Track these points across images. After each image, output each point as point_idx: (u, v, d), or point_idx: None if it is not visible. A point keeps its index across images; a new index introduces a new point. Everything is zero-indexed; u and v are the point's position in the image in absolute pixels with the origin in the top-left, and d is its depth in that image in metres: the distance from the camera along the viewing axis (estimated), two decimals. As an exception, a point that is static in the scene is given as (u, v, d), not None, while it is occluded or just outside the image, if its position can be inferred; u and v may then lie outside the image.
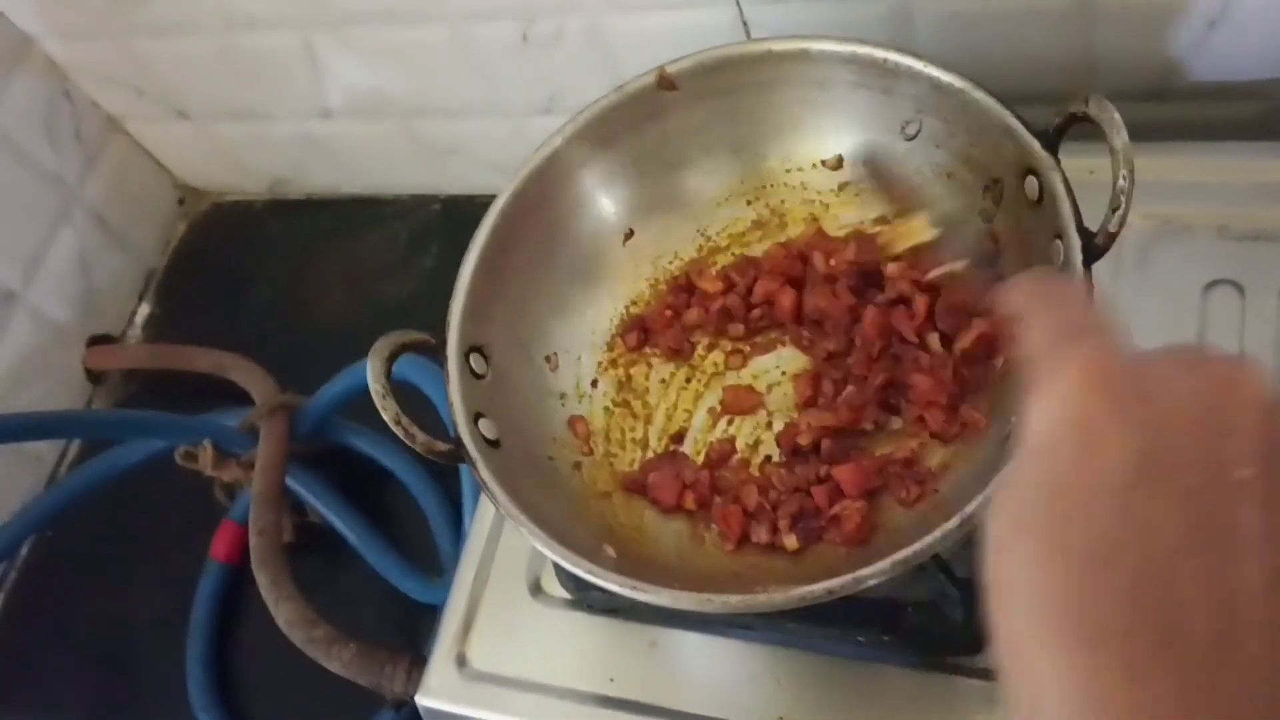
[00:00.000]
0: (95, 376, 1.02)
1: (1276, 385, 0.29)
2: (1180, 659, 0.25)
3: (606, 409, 0.64)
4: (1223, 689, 0.25)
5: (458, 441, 0.56)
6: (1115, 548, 0.27)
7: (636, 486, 0.60)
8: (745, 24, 0.74)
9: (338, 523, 0.84)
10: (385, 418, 0.55)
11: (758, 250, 0.66)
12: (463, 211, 0.96)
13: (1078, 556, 0.27)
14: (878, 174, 0.63)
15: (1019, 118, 0.55)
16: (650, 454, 0.62)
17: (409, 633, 0.79)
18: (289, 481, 0.83)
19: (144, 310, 1.06)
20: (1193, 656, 0.25)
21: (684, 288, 0.65)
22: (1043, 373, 0.30)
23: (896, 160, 0.62)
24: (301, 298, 1.02)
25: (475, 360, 0.60)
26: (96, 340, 1.02)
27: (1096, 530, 0.27)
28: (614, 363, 0.65)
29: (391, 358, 0.57)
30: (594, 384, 0.64)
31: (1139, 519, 0.27)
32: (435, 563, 0.81)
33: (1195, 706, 0.25)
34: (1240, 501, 0.27)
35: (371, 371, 0.56)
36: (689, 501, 0.59)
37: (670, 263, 0.67)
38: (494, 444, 0.58)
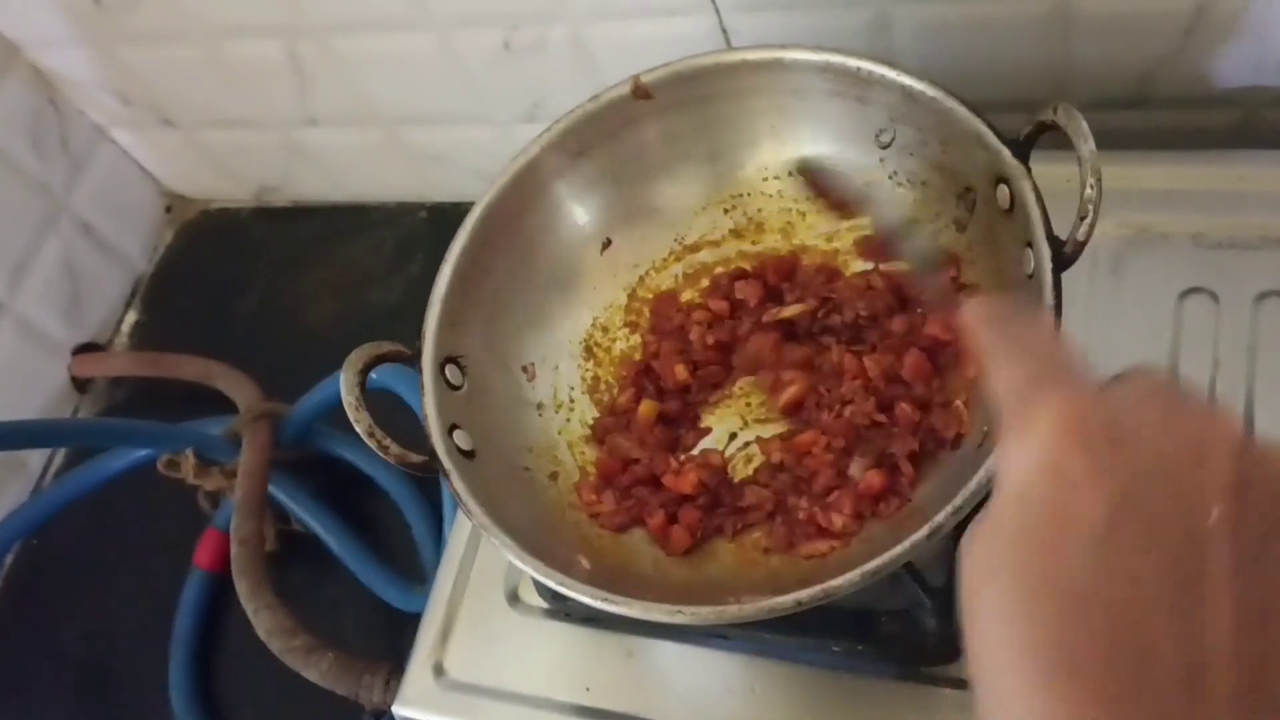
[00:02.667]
0: (81, 384, 1.02)
1: (1244, 428, 0.29)
2: (1155, 697, 0.26)
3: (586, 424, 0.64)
4: None
5: (432, 454, 0.56)
6: (1090, 593, 0.27)
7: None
8: (725, 32, 0.74)
9: (320, 531, 0.84)
10: (359, 430, 0.55)
11: (732, 253, 0.66)
12: (449, 219, 0.95)
13: (1055, 599, 0.28)
14: (815, 181, 0.63)
15: (990, 126, 0.55)
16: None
17: (392, 640, 0.79)
18: (272, 489, 0.84)
19: (131, 318, 1.07)
20: (1167, 694, 0.26)
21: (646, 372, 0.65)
22: (1016, 417, 0.30)
23: (835, 166, 0.62)
24: (289, 305, 1.02)
25: (451, 371, 0.60)
26: (83, 348, 1.03)
27: (1073, 575, 0.27)
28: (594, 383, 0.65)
29: (366, 370, 0.57)
30: (572, 402, 0.64)
31: (1113, 566, 0.27)
32: (417, 570, 0.81)
33: None
34: (1211, 546, 0.27)
35: (345, 383, 0.56)
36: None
37: (647, 272, 0.67)
38: (469, 455, 0.58)
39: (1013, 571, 0.28)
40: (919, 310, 0.60)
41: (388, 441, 0.56)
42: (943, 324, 0.57)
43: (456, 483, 0.55)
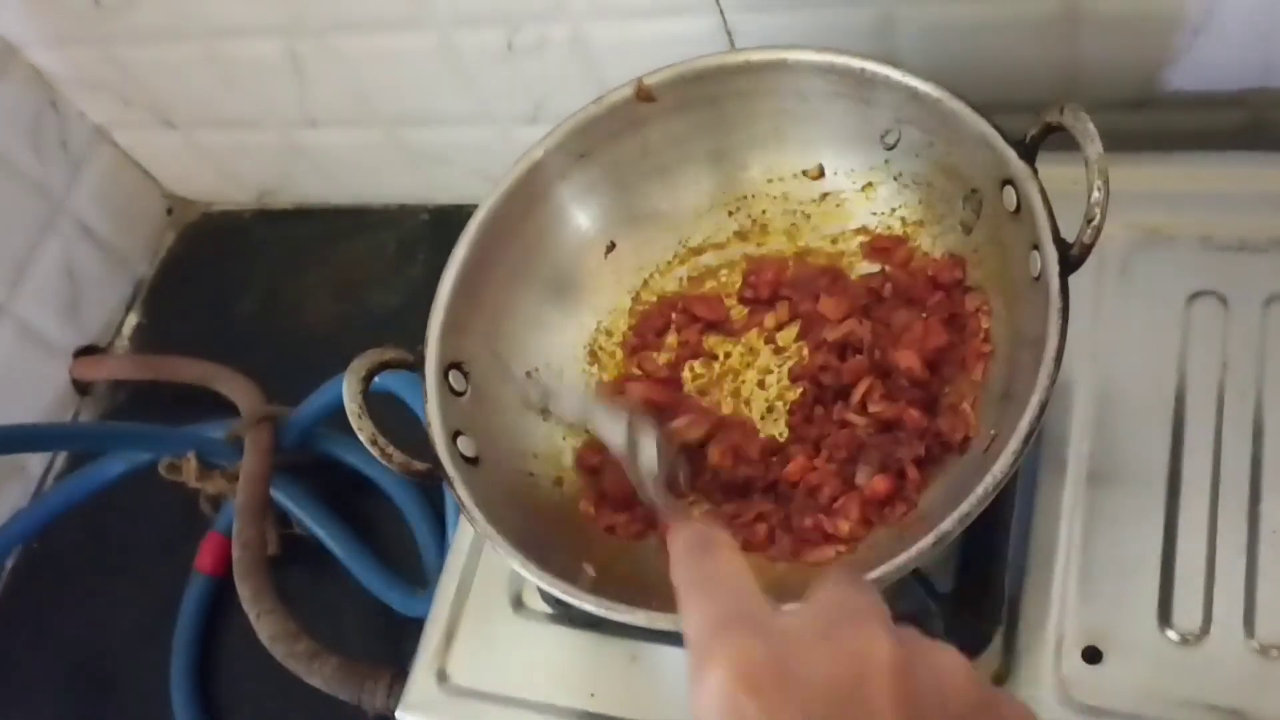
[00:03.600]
0: (82, 387, 1.02)
1: (899, 641, 0.32)
2: None
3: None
4: None
5: (436, 461, 0.56)
6: None
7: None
8: (729, 33, 0.74)
9: (323, 534, 0.84)
10: (361, 438, 0.55)
11: (736, 255, 0.66)
12: (451, 221, 0.95)
13: None
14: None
15: (996, 127, 0.55)
16: None
17: (394, 644, 0.78)
18: (274, 493, 0.83)
19: (132, 320, 1.06)
20: None
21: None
22: (696, 663, 0.32)
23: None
24: (290, 308, 1.01)
25: (454, 377, 0.59)
26: (83, 351, 1.02)
27: None
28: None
29: (369, 377, 0.57)
30: None
31: None
32: (420, 574, 0.81)
33: None
34: None
35: (348, 391, 0.56)
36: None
37: (651, 275, 0.66)
38: (473, 461, 0.57)
39: None
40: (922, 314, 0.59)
41: (391, 449, 0.55)
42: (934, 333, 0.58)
43: (460, 490, 0.55)
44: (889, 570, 0.47)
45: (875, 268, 0.62)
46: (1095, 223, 0.50)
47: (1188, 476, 0.57)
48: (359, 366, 0.57)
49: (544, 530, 0.58)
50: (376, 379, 0.57)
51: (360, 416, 0.55)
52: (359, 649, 0.80)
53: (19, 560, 0.95)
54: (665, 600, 0.53)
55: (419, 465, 0.56)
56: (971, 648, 0.55)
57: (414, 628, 0.67)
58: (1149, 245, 0.63)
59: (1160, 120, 0.70)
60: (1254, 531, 0.55)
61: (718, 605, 0.34)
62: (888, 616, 0.34)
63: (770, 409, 0.62)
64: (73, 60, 0.95)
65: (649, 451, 0.55)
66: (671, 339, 0.65)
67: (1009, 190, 0.54)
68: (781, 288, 0.64)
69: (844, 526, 0.55)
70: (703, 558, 0.37)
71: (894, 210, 0.63)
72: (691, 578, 0.36)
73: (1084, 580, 0.56)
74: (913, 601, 0.54)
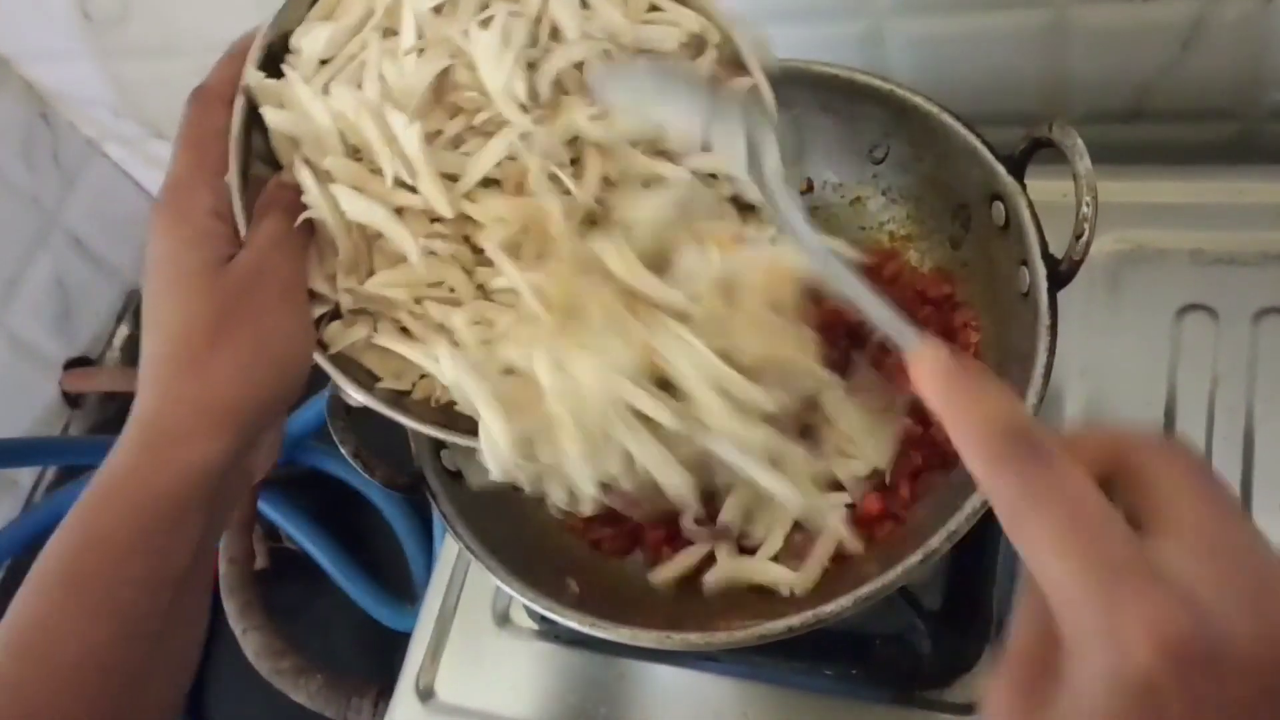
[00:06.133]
0: (73, 399, 1.01)
1: None
2: None
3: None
4: None
5: (419, 475, 0.56)
6: None
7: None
8: (718, 45, 0.73)
9: (311, 548, 0.83)
10: (344, 452, 0.55)
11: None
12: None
13: None
14: None
15: (985, 142, 0.54)
16: None
17: (383, 657, 0.78)
18: (263, 506, 0.83)
19: (122, 332, 1.06)
20: None
21: None
22: (1094, 625, 0.26)
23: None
24: (281, 319, 1.01)
25: (439, 390, 0.59)
26: (74, 363, 1.02)
27: None
28: None
29: (353, 389, 0.56)
30: None
31: None
32: (409, 588, 0.80)
33: None
34: None
35: (331, 405, 0.55)
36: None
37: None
38: (457, 475, 0.57)
39: None
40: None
41: (374, 464, 0.55)
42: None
43: (444, 505, 0.55)
44: (877, 588, 0.47)
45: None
46: (1084, 239, 0.49)
47: (1178, 492, 0.57)
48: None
49: (529, 546, 0.58)
50: (362, 393, 0.57)
51: (344, 430, 0.55)
52: (348, 662, 0.79)
53: (8, 573, 0.94)
54: (649, 616, 0.54)
55: (402, 479, 0.56)
56: (959, 666, 0.55)
57: (403, 641, 0.67)
58: (1139, 259, 0.63)
59: (1150, 132, 0.70)
60: (1244, 548, 0.54)
61: (1094, 545, 0.27)
62: None
63: None
64: (64, 74, 0.95)
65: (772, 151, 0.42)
66: None
67: (998, 205, 0.54)
68: None
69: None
70: (1033, 458, 0.28)
71: (882, 225, 0.62)
72: (1027, 489, 0.28)
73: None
74: (901, 619, 0.54)
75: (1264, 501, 0.55)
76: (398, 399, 0.49)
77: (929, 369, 0.32)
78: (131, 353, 1.05)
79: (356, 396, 0.47)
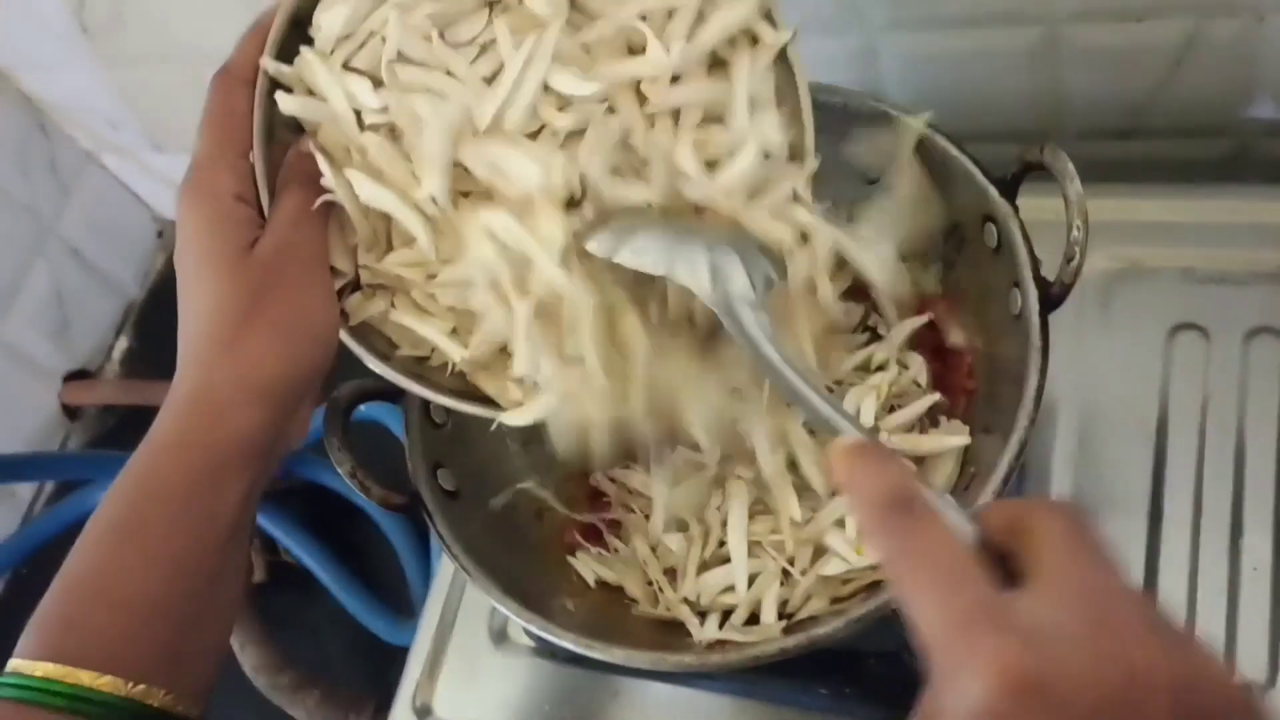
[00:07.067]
0: (72, 412, 1.02)
1: (1173, 648, 0.29)
2: None
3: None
4: None
5: (415, 495, 0.56)
6: None
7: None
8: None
9: (309, 561, 0.83)
10: (341, 472, 0.55)
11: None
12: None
13: None
14: None
15: (978, 164, 0.55)
16: None
17: (380, 670, 0.78)
18: (261, 519, 0.83)
19: (122, 344, 1.06)
20: None
21: None
22: (950, 666, 0.30)
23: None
24: (279, 330, 1.01)
25: (435, 409, 0.59)
26: (73, 375, 1.02)
27: None
28: None
29: (349, 409, 0.57)
30: None
31: None
32: (406, 601, 0.81)
33: None
34: None
35: (328, 423, 0.56)
36: None
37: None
38: (453, 494, 0.57)
39: None
40: None
41: (370, 484, 0.55)
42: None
43: (440, 525, 0.55)
44: (870, 610, 0.47)
45: (858, 305, 0.62)
46: (1075, 262, 0.50)
47: (1169, 511, 0.57)
48: (340, 398, 0.57)
49: (524, 564, 0.58)
50: (361, 407, 0.57)
51: (340, 449, 0.55)
52: (345, 675, 0.80)
53: (8, 587, 0.95)
54: (643, 637, 0.54)
55: (397, 498, 0.56)
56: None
57: (400, 654, 0.67)
58: (1131, 277, 0.63)
59: (1143, 149, 0.70)
60: (1235, 567, 0.55)
61: (951, 591, 0.31)
62: (1152, 607, 0.31)
63: None
64: (61, 84, 0.95)
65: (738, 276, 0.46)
66: None
67: (990, 227, 0.54)
68: None
69: None
70: (909, 522, 0.33)
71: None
72: (901, 550, 0.33)
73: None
74: (894, 639, 0.54)
75: (1255, 520, 0.55)
76: (417, 366, 0.50)
77: (840, 451, 0.36)
78: (131, 365, 1.05)
79: (375, 368, 0.49)
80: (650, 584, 0.57)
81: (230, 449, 0.45)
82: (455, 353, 0.48)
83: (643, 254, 0.46)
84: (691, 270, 0.46)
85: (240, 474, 0.46)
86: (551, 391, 0.48)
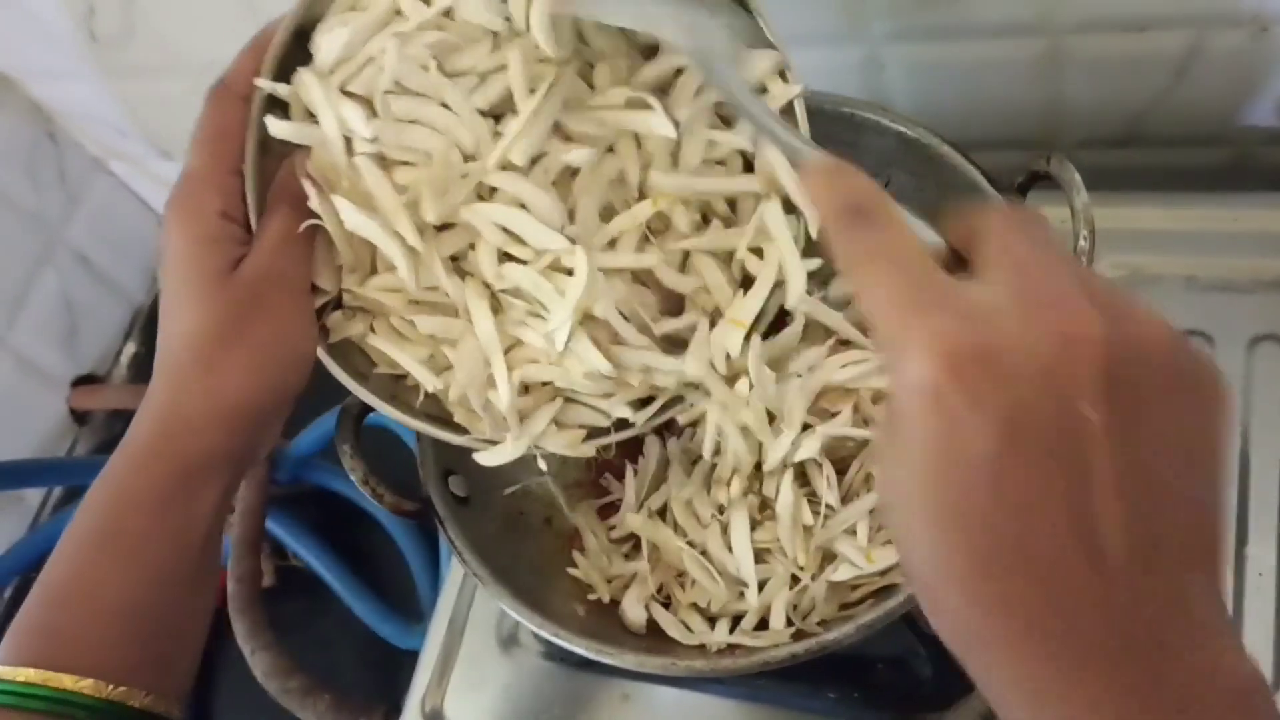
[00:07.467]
0: (80, 417, 1.02)
1: (1107, 317, 0.30)
2: (1064, 576, 0.30)
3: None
4: (1088, 605, 0.29)
5: (427, 501, 0.56)
6: (990, 510, 0.30)
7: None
8: (718, 71, 0.74)
9: (318, 566, 0.84)
10: (353, 479, 0.56)
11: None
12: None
13: (958, 522, 0.30)
14: None
15: (984, 173, 0.55)
16: None
17: (390, 675, 0.79)
18: (270, 524, 0.83)
19: (129, 349, 1.07)
20: (1074, 571, 0.29)
21: None
22: (894, 350, 0.31)
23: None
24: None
25: (446, 416, 0.60)
26: (81, 380, 1.03)
27: (971, 501, 0.30)
28: None
29: (361, 415, 0.57)
30: None
31: (1006, 486, 0.30)
32: (416, 606, 0.81)
33: (1060, 619, 0.30)
34: (1092, 441, 0.30)
35: (340, 430, 0.56)
36: None
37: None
38: (464, 501, 0.58)
39: (918, 502, 0.31)
40: None
41: (382, 490, 0.56)
42: None
43: (451, 531, 0.55)
44: (879, 615, 0.48)
45: None
46: (1080, 271, 0.50)
47: (1174, 518, 0.57)
48: (352, 405, 0.57)
49: (535, 570, 0.59)
50: (373, 413, 0.58)
51: (352, 456, 0.56)
52: (355, 680, 0.80)
53: (16, 591, 0.95)
54: (654, 641, 0.54)
55: (409, 505, 0.57)
56: (960, 690, 0.56)
57: (410, 659, 0.67)
58: (1134, 285, 0.64)
59: (1145, 158, 0.71)
60: (1240, 575, 0.55)
61: (903, 281, 0.32)
62: (1089, 279, 0.32)
63: None
64: (69, 92, 0.96)
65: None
66: None
67: (996, 236, 0.55)
68: None
69: None
70: (865, 228, 0.34)
71: (883, 251, 0.63)
72: (859, 250, 0.34)
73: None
74: (902, 645, 0.55)
75: (1260, 527, 0.56)
76: (394, 385, 0.51)
77: (810, 169, 0.39)
78: (138, 370, 1.06)
79: (351, 389, 0.50)
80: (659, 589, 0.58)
81: (201, 461, 0.47)
82: (429, 381, 0.49)
83: (621, 12, 0.46)
84: (674, 26, 0.46)
85: (212, 484, 0.47)
86: (526, 435, 0.49)
